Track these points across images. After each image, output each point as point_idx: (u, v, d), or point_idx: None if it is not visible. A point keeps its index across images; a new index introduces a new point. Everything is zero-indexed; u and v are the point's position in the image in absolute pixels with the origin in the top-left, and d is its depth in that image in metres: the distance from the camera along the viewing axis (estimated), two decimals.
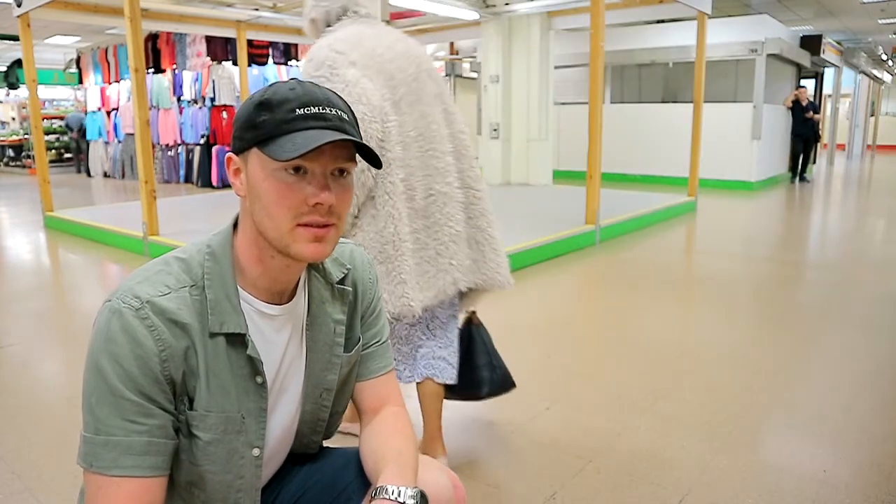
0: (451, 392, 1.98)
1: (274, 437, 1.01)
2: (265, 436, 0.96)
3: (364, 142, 0.87)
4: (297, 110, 0.85)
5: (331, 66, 1.65)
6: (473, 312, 2.07)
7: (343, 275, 1.05)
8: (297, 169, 0.86)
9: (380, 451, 0.99)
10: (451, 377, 1.90)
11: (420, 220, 1.75)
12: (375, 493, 0.89)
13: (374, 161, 0.91)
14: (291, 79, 0.91)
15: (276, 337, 0.97)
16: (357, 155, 0.91)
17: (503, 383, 2.09)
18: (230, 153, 0.93)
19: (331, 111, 0.87)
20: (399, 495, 0.88)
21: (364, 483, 1.03)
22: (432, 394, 1.89)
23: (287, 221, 0.86)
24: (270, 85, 0.90)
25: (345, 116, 0.88)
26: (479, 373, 2.02)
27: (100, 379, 0.83)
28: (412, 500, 0.88)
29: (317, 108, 0.86)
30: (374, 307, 1.10)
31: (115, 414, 0.82)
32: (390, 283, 1.68)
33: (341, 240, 1.09)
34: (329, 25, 1.83)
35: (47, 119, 13.97)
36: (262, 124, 0.86)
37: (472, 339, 2.04)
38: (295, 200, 0.86)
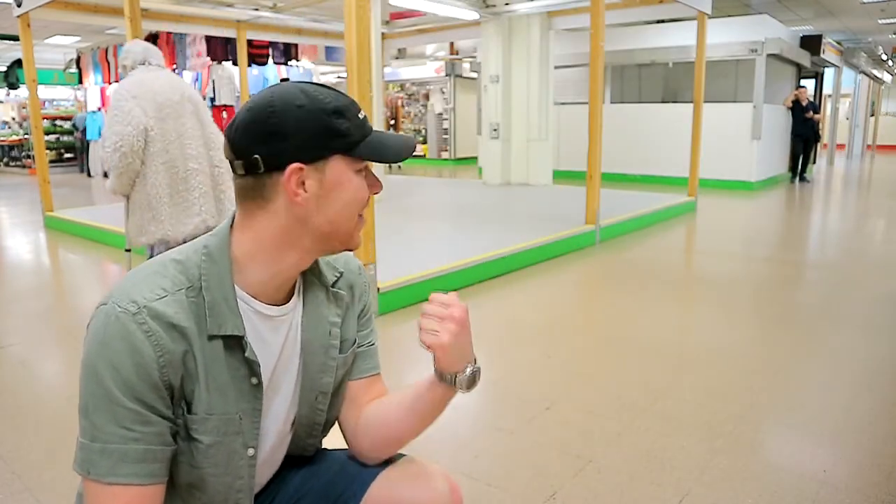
0: None
1: (269, 439, 1.00)
2: (258, 436, 0.96)
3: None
4: (359, 115, 0.92)
5: (119, 100, 2.81)
6: None
7: (336, 278, 1.06)
8: (359, 169, 0.93)
9: (392, 400, 1.06)
10: None
11: (182, 185, 2.88)
12: (456, 377, 0.97)
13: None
14: (318, 84, 0.91)
15: (273, 338, 0.96)
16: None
17: None
18: (297, 165, 0.87)
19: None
20: (469, 369, 0.98)
21: (362, 485, 1.03)
22: None
23: (355, 215, 0.94)
24: (318, 91, 0.89)
25: None
26: None
27: (97, 385, 0.81)
28: (477, 367, 1.00)
29: (362, 113, 0.93)
30: (367, 310, 1.12)
31: (112, 421, 0.81)
32: (154, 222, 2.84)
33: None
34: (133, 69, 2.96)
35: (47, 119, 13.97)
36: (347, 131, 0.89)
37: None
38: (366, 193, 0.95)
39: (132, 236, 2.96)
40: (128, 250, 3.18)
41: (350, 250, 0.98)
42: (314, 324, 1.01)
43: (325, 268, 1.04)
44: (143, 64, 2.96)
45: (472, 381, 0.97)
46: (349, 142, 0.89)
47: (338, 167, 0.89)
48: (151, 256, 2.91)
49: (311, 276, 1.02)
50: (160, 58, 3.01)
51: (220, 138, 3.05)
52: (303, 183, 0.88)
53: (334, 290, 1.04)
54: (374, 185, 0.96)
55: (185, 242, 2.58)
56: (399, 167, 14.71)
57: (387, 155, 0.93)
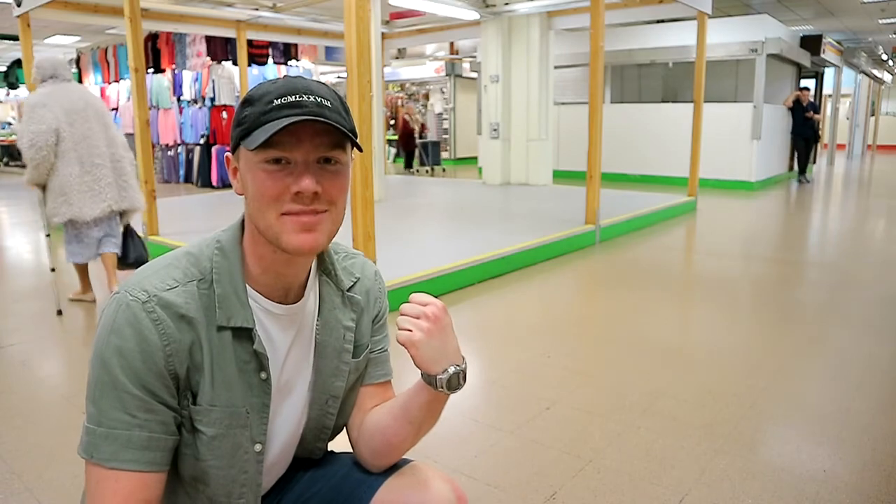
0: (120, 263, 3.90)
1: (279, 440, 1.00)
2: (266, 432, 0.97)
3: (337, 125, 0.85)
4: (275, 101, 0.85)
5: (32, 106, 3.46)
6: (128, 224, 3.95)
7: (352, 283, 1.06)
8: (277, 160, 0.85)
9: (386, 405, 1.05)
10: (117, 253, 3.90)
11: (89, 176, 3.60)
12: (436, 378, 0.94)
13: (357, 145, 0.90)
14: (289, 77, 0.91)
15: (280, 336, 0.97)
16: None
17: (140, 260, 3.91)
18: (228, 153, 0.93)
19: (309, 98, 0.85)
20: (451, 370, 0.94)
21: (369, 488, 1.02)
22: (110, 259, 3.86)
23: (272, 212, 0.87)
24: (267, 82, 0.89)
25: (326, 103, 0.86)
26: (130, 254, 3.91)
27: (104, 371, 0.83)
28: (460, 369, 0.96)
29: (293, 96, 0.85)
30: (381, 317, 1.11)
31: (118, 407, 0.83)
32: (65, 205, 3.56)
33: (352, 252, 1.11)
34: (44, 81, 3.58)
35: None
36: (245, 119, 0.87)
37: (128, 237, 3.93)
38: (276, 190, 0.85)
39: (48, 216, 3.63)
40: (48, 235, 3.88)
41: (291, 254, 0.89)
42: (329, 327, 1.02)
43: (342, 273, 1.04)
44: (52, 78, 3.58)
45: (453, 383, 0.94)
46: (241, 131, 0.87)
47: (243, 157, 0.89)
48: (67, 231, 3.70)
49: (327, 279, 1.02)
50: (68, 71, 3.69)
51: (120, 138, 3.83)
52: (235, 171, 0.92)
53: (349, 294, 1.05)
54: (296, 182, 0.85)
55: (92, 221, 3.73)
56: (443, 170, 13.96)
57: (250, 145, 0.84)
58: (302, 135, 0.84)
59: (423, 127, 14.04)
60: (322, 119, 0.84)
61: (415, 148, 13.54)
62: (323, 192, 0.87)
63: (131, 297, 0.85)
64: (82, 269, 3.95)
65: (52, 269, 3.92)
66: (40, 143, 3.39)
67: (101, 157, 3.63)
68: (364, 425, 1.06)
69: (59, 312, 3.80)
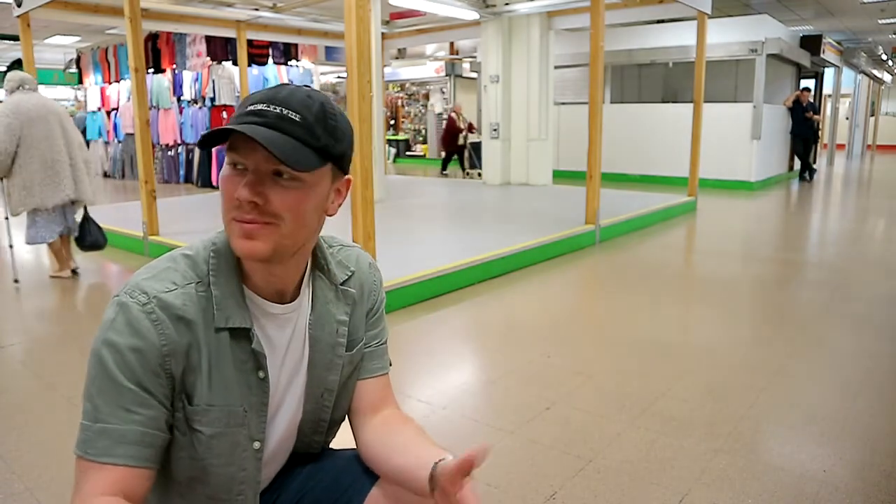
0: (79, 244, 4.64)
1: (277, 435, 1.02)
2: (265, 430, 0.98)
3: (265, 142, 0.82)
4: (249, 106, 0.85)
5: (2, 114, 4.09)
6: (86, 212, 4.63)
7: (347, 277, 1.06)
8: (235, 164, 0.86)
9: (400, 437, 1.00)
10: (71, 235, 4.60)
11: (50, 171, 4.27)
12: (438, 465, 0.88)
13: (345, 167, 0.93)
14: (299, 85, 0.90)
15: (279, 334, 0.98)
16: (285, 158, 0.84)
17: (95, 244, 4.65)
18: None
19: (275, 109, 0.84)
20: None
21: (366, 483, 1.03)
22: (66, 241, 4.59)
23: (227, 214, 0.88)
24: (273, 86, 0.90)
25: (293, 116, 0.84)
26: (87, 238, 4.60)
27: (101, 368, 0.85)
28: None
29: (264, 105, 0.84)
30: (377, 309, 1.11)
31: (114, 402, 0.84)
32: (29, 196, 4.24)
33: (348, 244, 1.11)
34: (12, 92, 4.25)
35: None
36: (230, 120, 0.88)
37: (86, 223, 4.60)
38: (227, 194, 0.87)
39: (14, 207, 4.29)
40: (7, 218, 4.47)
41: (244, 259, 0.91)
42: (321, 322, 1.02)
43: (336, 266, 1.05)
44: (19, 89, 4.27)
45: None
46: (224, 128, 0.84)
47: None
48: (29, 218, 4.33)
49: (320, 274, 1.03)
50: (33, 83, 4.42)
51: (77, 140, 4.48)
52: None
53: (343, 288, 1.05)
54: (242, 187, 0.84)
55: (53, 208, 4.53)
56: (475, 179, 11.63)
57: (221, 132, 0.82)
58: (257, 144, 0.82)
59: (470, 126, 12.12)
60: (236, 129, 0.82)
61: (459, 149, 12.19)
62: (266, 204, 0.85)
63: (131, 298, 0.87)
64: (56, 250, 4.56)
65: (11, 246, 4.64)
66: (3, 145, 4.09)
67: (60, 154, 4.30)
68: (367, 448, 1.04)
69: (16, 281, 4.52)
